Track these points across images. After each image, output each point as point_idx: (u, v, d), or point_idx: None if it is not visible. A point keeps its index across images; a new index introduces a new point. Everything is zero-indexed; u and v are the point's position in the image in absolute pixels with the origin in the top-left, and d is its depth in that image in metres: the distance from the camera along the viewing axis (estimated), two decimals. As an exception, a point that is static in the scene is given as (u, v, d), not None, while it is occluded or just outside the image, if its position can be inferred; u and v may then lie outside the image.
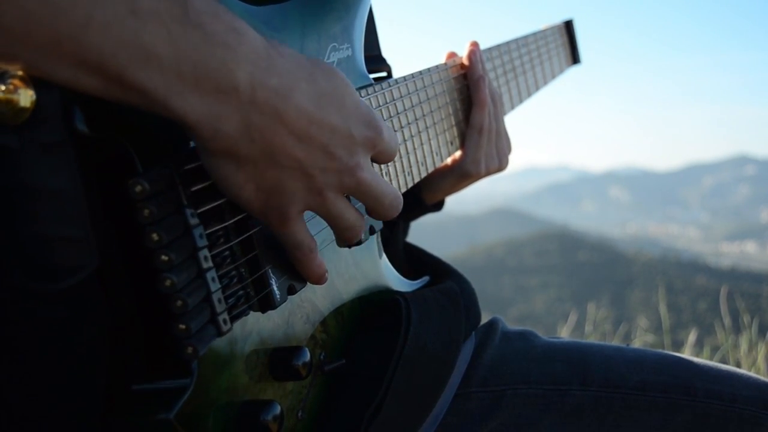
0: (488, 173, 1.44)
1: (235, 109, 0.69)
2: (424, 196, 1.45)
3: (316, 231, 0.93)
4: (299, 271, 0.87)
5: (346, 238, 0.87)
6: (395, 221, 1.32)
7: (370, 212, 0.88)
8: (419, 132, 1.21)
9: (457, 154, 1.41)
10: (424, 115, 1.23)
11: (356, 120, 0.80)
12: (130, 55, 0.63)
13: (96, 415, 0.73)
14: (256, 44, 0.72)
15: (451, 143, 1.35)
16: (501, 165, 1.46)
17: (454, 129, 1.36)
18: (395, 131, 1.13)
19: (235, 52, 0.69)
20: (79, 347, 0.71)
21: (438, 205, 1.49)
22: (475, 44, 1.42)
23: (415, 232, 1.53)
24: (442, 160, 1.31)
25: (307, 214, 0.85)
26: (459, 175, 1.41)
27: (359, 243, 0.90)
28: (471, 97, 1.40)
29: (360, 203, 0.87)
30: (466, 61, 1.41)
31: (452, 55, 1.42)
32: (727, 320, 4.23)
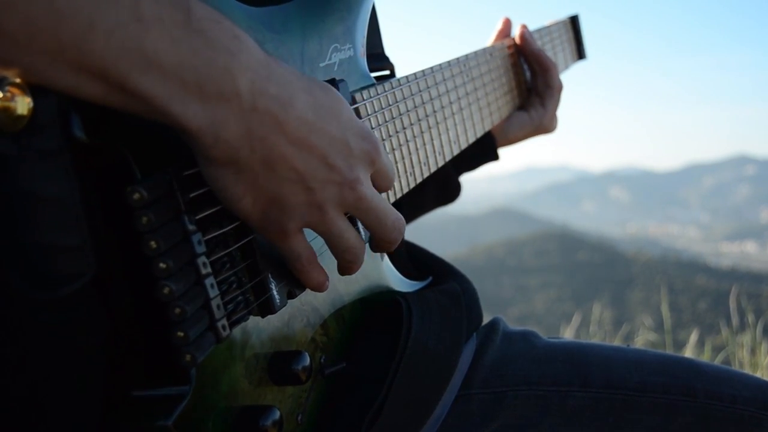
0: (550, 131, 1.69)
1: (236, 116, 0.69)
2: (498, 141, 1.62)
3: (315, 236, 0.92)
4: (299, 280, 0.87)
5: (346, 261, 0.87)
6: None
7: (373, 233, 0.88)
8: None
9: (525, 115, 1.63)
10: (434, 112, 1.24)
11: (353, 132, 0.81)
12: (133, 61, 0.62)
13: (95, 421, 0.73)
14: (256, 52, 0.72)
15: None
16: (556, 125, 1.69)
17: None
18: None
19: (237, 58, 0.69)
20: (78, 353, 0.71)
21: (497, 156, 1.65)
22: (524, 26, 1.63)
23: (416, 232, 1.54)
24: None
25: None
26: (535, 128, 1.65)
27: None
28: (533, 67, 1.63)
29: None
30: (518, 40, 1.62)
31: (501, 36, 1.64)
32: (735, 320, 4.23)
